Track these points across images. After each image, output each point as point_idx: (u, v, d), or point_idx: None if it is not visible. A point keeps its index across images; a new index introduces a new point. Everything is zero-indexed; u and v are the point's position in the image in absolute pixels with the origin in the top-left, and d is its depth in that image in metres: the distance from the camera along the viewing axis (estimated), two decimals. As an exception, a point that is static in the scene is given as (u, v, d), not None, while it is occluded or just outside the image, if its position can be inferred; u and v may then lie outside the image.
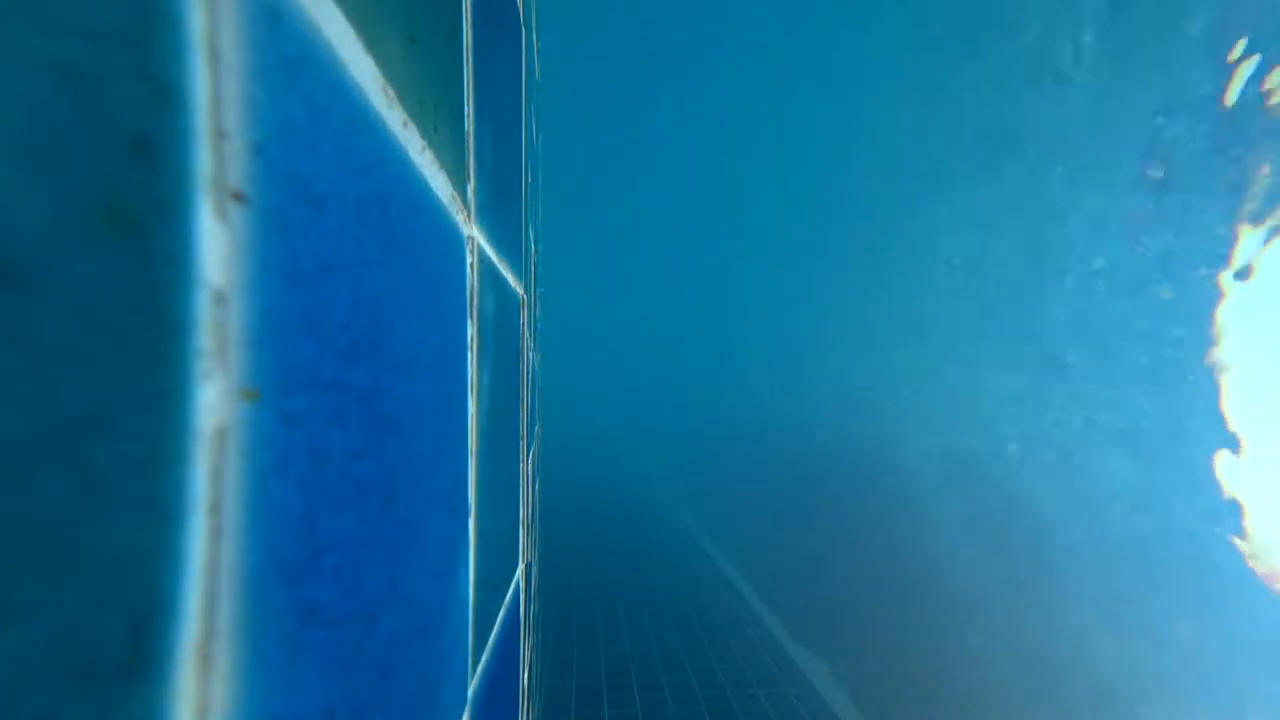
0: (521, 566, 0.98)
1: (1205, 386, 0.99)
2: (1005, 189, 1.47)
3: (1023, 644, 1.40)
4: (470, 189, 0.49)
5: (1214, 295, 0.98)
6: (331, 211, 0.23)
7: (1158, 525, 1.08)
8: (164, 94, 0.14)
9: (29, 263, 0.11)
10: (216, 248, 0.16)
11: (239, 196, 0.17)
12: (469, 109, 0.48)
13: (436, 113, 0.37)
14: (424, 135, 0.35)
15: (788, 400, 2.92)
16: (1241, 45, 0.91)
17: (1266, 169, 0.88)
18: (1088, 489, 1.23)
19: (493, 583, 0.62)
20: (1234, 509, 0.95)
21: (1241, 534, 0.94)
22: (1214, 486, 0.98)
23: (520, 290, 0.95)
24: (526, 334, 1.18)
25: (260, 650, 0.18)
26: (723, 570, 3.76)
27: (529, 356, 1.39)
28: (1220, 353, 0.97)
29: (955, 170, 1.68)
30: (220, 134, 0.16)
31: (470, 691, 0.49)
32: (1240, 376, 0.95)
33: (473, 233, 0.50)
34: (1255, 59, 0.90)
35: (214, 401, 0.16)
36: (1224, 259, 0.97)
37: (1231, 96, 0.95)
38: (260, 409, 0.18)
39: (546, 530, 4.52)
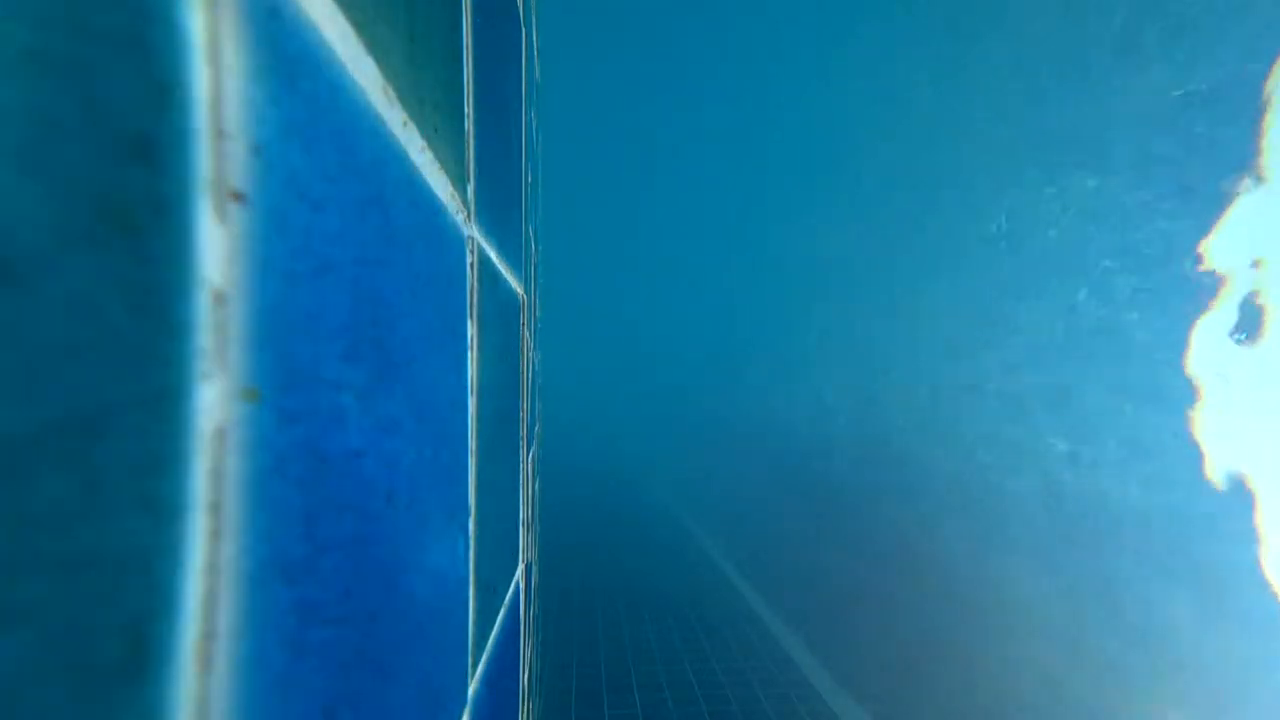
0: (521, 566, 0.98)
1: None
2: (1005, 191, 1.47)
3: (1024, 643, 1.40)
4: (470, 189, 0.49)
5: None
6: (331, 211, 0.23)
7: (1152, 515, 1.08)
8: (164, 94, 0.14)
9: (29, 262, 0.11)
10: (216, 248, 0.16)
11: (239, 196, 0.17)
12: (469, 109, 0.48)
13: (436, 113, 0.37)
14: (424, 135, 0.35)
15: (788, 400, 2.92)
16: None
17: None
18: (1082, 485, 1.23)
19: (492, 583, 0.62)
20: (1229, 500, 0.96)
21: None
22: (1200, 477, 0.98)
23: (520, 290, 0.95)
24: (526, 334, 1.18)
25: (260, 650, 0.18)
26: (723, 570, 3.76)
27: (529, 356, 1.39)
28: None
29: (962, 169, 1.68)
30: (220, 134, 0.16)
31: (470, 691, 0.49)
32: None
33: (473, 233, 0.50)
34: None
35: (214, 401, 0.16)
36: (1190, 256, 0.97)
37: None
38: (260, 409, 0.18)
39: (546, 530, 4.52)
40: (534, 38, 1.68)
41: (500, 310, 0.69)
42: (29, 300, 0.11)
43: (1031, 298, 1.38)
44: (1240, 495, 0.95)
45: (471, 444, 0.49)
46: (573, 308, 9.26)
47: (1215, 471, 0.99)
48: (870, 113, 2.19)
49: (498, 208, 0.67)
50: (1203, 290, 1.00)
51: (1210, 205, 0.99)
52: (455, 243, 0.43)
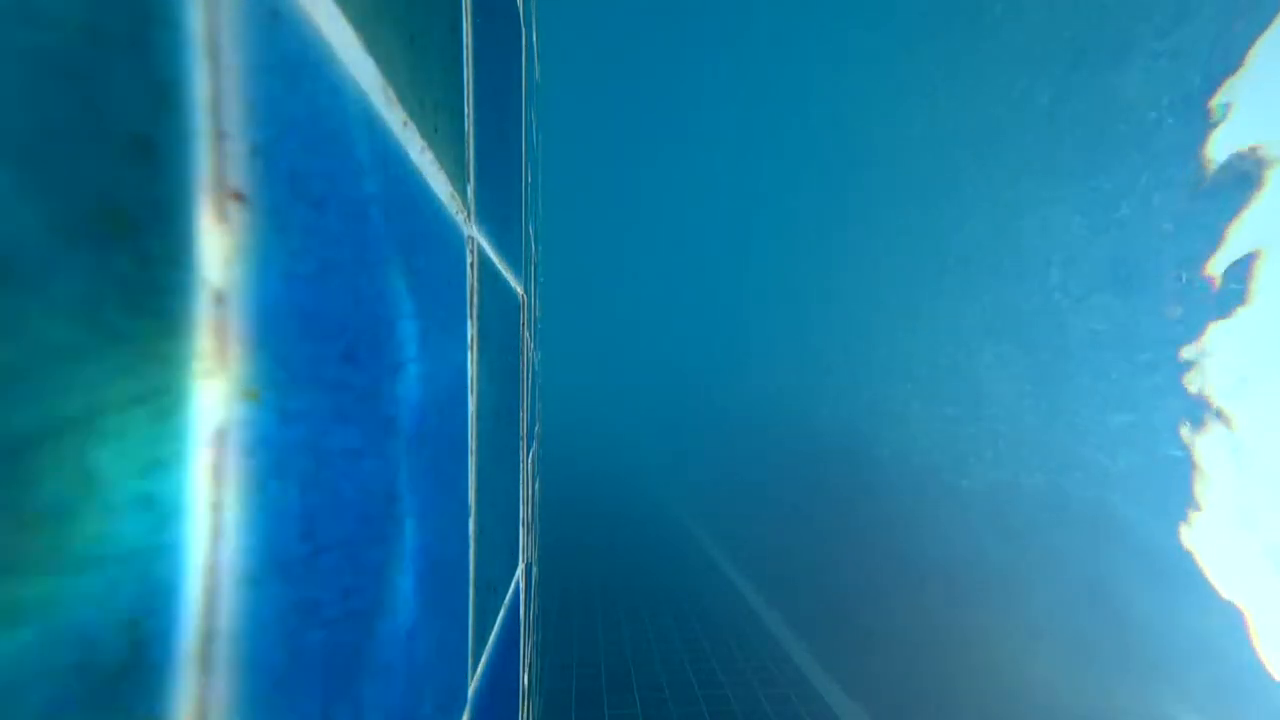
0: (521, 566, 0.98)
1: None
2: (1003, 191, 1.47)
3: (1025, 644, 1.40)
4: (470, 189, 0.49)
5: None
6: (331, 211, 0.23)
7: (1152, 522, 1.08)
8: (164, 94, 0.14)
9: (30, 262, 0.11)
10: (216, 248, 0.16)
11: (239, 196, 0.17)
12: (469, 109, 0.48)
13: (436, 113, 0.37)
14: (424, 135, 0.35)
15: (789, 399, 2.92)
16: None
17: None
18: (1081, 485, 1.23)
19: (492, 583, 0.62)
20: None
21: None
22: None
23: (520, 290, 0.95)
24: (526, 334, 1.18)
25: (260, 650, 0.18)
26: (723, 570, 3.76)
27: (529, 356, 1.39)
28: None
29: (961, 169, 1.68)
30: (220, 134, 0.16)
31: (470, 691, 0.49)
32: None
33: (473, 233, 0.50)
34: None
35: (214, 401, 0.16)
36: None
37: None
38: (260, 409, 0.18)
39: (546, 530, 4.52)
40: (534, 38, 1.68)
41: (500, 310, 0.69)
42: (30, 300, 0.11)
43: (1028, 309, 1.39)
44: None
45: (471, 444, 0.49)
46: (573, 308, 9.25)
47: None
48: (871, 114, 2.19)
49: (498, 208, 0.67)
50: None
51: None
52: (455, 243, 0.43)
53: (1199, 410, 1.01)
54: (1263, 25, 0.91)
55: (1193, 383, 1.02)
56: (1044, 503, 1.35)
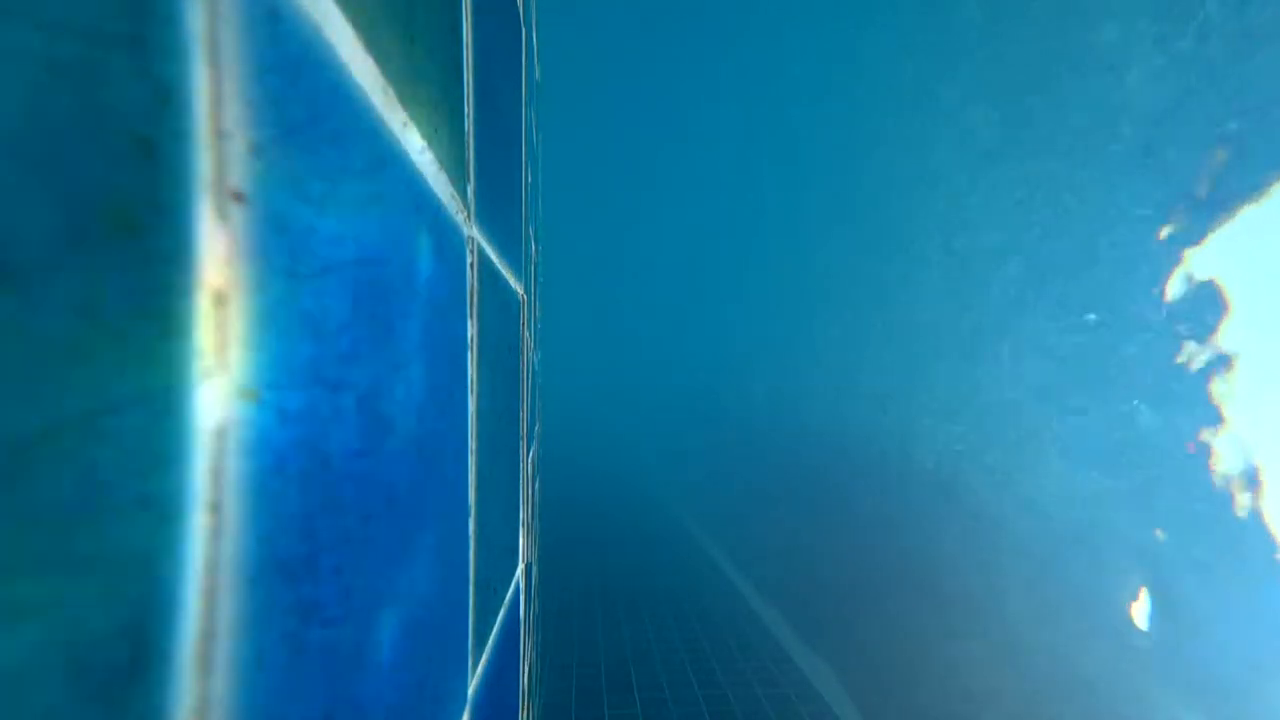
0: (521, 567, 0.98)
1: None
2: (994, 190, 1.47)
3: (1026, 645, 1.40)
4: (470, 189, 0.49)
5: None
6: (331, 211, 0.23)
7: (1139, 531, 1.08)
8: (164, 94, 0.14)
9: (30, 262, 0.11)
10: (216, 248, 0.16)
11: (239, 196, 0.17)
12: (469, 109, 0.48)
13: (436, 113, 0.37)
14: (424, 135, 0.35)
15: (789, 399, 2.92)
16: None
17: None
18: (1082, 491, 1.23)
19: (492, 583, 0.62)
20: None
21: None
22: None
23: (520, 290, 0.95)
24: (526, 334, 1.18)
25: (260, 650, 0.18)
26: (723, 570, 3.76)
27: (529, 356, 1.39)
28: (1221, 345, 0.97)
29: (957, 168, 1.68)
30: (220, 134, 0.16)
31: (470, 691, 0.49)
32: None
33: (473, 233, 0.50)
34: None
35: (214, 401, 0.16)
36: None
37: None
38: (260, 409, 0.18)
39: (546, 530, 4.52)
40: (534, 38, 1.68)
41: (500, 310, 0.69)
42: (30, 300, 0.11)
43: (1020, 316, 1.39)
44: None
45: (471, 444, 0.49)
46: (573, 308, 9.26)
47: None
48: (870, 116, 2.19)
49: (498, 208, 0.67)
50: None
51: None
52: (455, 243, 0.43)
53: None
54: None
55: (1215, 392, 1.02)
56: (1044, 508, 1.35)
